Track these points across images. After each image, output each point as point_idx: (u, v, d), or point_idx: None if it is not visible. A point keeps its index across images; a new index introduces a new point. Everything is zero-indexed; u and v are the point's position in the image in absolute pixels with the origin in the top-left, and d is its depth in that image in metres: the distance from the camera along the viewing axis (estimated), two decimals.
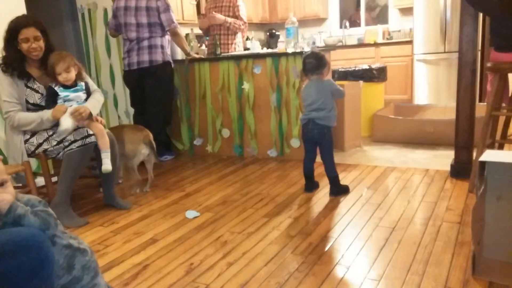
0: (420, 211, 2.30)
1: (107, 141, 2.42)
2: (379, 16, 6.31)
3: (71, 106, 2.40)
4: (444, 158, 3.19)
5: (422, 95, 5.29)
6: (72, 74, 2.41)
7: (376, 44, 5.76)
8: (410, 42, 5.38)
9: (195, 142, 3.95)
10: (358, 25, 6.45)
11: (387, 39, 5.90)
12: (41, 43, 2.41)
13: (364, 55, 5.74)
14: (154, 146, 2.89)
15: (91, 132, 2.40)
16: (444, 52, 5.05)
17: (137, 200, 2.77)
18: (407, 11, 5.77)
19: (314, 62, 2.56)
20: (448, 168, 2.86)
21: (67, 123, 2.34)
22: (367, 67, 4.15)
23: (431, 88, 5.24)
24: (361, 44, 5.96)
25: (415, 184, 2.73)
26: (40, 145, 2.41)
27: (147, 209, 2.59)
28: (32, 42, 2.36)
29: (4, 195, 1.23)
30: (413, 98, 5.37)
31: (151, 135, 2.88)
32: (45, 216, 1.30)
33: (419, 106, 4.55)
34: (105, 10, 3.91)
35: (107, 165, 2.40)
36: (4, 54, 2.40)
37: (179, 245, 2.06)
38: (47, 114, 2.36)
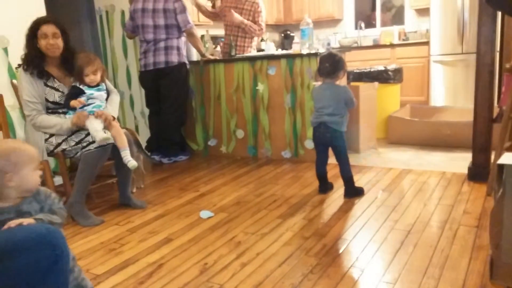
0: (436, 214, 2.27)
1: (124, 139, 2.46)
2: (395, 17, 6.25)
3: (93, 103, 2.46)
4: (461, 161, 3.14)
5: (438, 97, 5.22)
6: (98, 76, 2.49)
7: (392, 45, 5.70)
8: (426, 43, 5.31)
9: (209, 143, 3.97)
10: (374, 26, 6.40)
11: (403, 40, 5.84)
12: (59, 41, 2.44)
13: (379, 56, 5.69)
14: (141, 144, 2.91)
15: (108, 134, 2.44)
16: (462, 53, 4.98)
17: (152, 199, 2.80)
18: (423, 11, 5.69)
19: (330, 67, 2.51)
20: (466, 171, 2.82)
21: (95, 126, 2.38)
22: (383, 68, 4.11)
23: (448, 90, 5.16)
24: (376, 45, 5.91)
25: (432, 186, 2.70)
26: (59, 144, 2.46)
27: (162, 209, 2.61)
28: (50, 39, 2.40)
29: (37, 178, 1.40)
30: (429, 99, 5.30)
31: (136, 134, 2.91)
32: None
33: (436, 108, 4.49)
34: (123, 12, 3.96)
35: (131, 161, 2.42)
36: (25, 52, 2.45)
37: (193, 245, 2.08)
38: (67, 122, 2.42)
